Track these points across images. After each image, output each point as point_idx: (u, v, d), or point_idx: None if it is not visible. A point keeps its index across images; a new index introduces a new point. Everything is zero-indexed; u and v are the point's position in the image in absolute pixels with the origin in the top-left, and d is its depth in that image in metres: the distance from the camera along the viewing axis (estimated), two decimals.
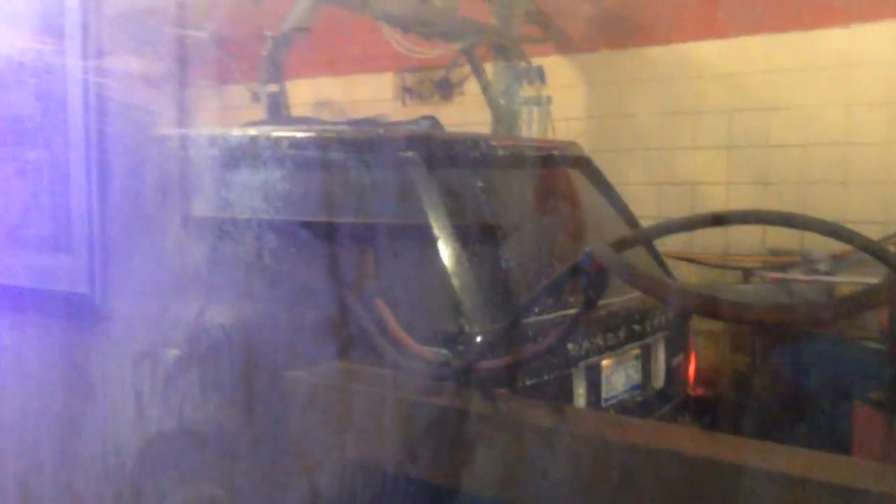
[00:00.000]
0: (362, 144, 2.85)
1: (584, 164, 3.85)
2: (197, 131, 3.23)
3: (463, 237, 2.58)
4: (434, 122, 3.51)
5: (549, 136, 5.73)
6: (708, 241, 5.62)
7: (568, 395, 2.72)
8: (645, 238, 1.82)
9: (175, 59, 7.45)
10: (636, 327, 3.19)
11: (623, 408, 3.11)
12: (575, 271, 1.41)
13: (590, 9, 6.06)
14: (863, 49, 5.10)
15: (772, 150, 5.43)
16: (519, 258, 2.82)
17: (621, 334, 3.07)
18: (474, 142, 3.12)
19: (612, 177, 6.03)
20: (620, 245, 1.57)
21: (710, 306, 1.39)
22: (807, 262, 4.54)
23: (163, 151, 3.02)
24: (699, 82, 5.71)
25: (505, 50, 5.63)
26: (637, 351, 3.24)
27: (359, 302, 1.99)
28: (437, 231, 2.54)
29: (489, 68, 5.80)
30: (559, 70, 6.08)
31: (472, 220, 2.76)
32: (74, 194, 2.45)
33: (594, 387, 2.89)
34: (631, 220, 3.94)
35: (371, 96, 7.21)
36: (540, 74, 5.64)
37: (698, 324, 5.57)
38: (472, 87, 6.04)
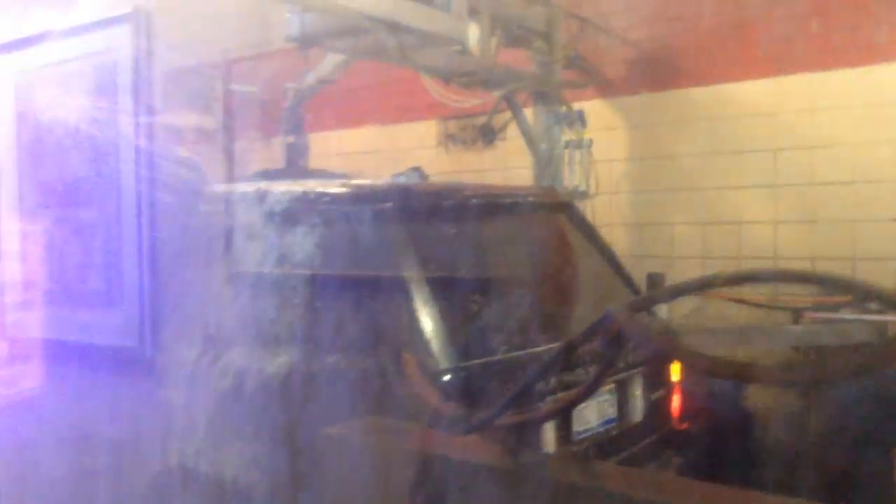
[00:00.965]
0: (345, 197, 3.07)
1: (566, 209, 4.04)
2: (227, 187, 3.42)
3: (433, 283, 2.79)
4: (420, 173, 3.71)
5: (592, 178, 5.74)
6: None
7: (535, 429, 2.83)
8: (663, 298, 1.85)
9: (226, 113, 7.75)
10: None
11: (598, 441, 3.21)
12: (594, 331, 1.43)
13: (629, 52, 6.11)
14: None
15: (818, 187, 5.36)
16: (491, 301, 3.03)
17: (592, 371, 3.14)
18: (448, 192, 3.36)
19: (655, 217, 6.05)
20: (638, 306, 1.58)
21: (730, 370, 1.39)
22: (857, 300, 4.44)
23: (207, 207, 3.16)
24: (742, 122, 5.68)
25: (545, 95, 5.69)
26: (611, 386, 3.35)
27: (386, 354, 2.05)
28: (408, 277, 2.79)
29: (530, 113, 5.87)
30: (600, 113, 6.12)
31: (443, 267, 2.98)
32: (125, 250, 2.56)
33: (564, 421, 3.03)
34: (614, 263, 4.06)
35: (415, 144, 7.33)
36: (580, 118, 5.68)
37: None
38: (514, 131, 6.12)
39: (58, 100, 2.65)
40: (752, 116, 5.64)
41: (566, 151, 5.76)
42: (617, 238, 6.24)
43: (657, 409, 3.69)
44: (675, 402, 3.93)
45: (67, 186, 2.67)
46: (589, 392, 1.61)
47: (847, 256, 5.21)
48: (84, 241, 2.64)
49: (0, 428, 2.47)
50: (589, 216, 5.83)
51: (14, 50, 2.67)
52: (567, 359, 1.66)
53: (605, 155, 5.98)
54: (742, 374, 1.50)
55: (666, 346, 1.39)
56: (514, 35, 5.44)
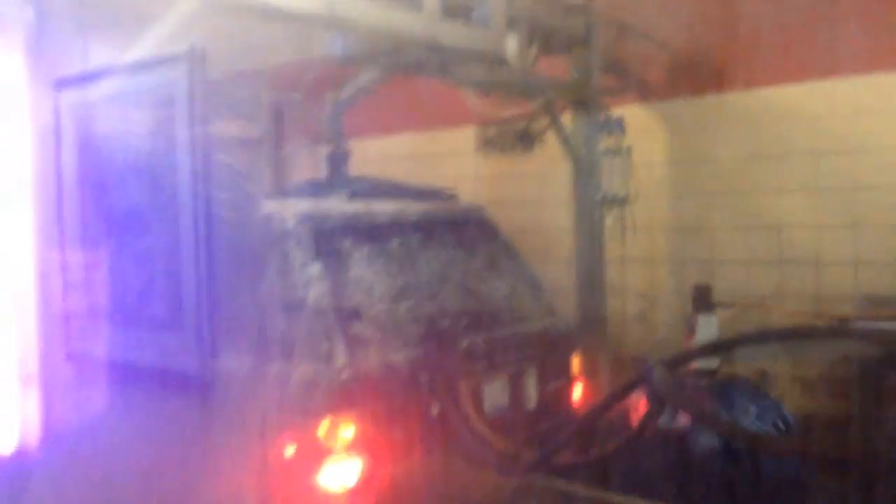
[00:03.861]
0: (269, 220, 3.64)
1: (482, 225, 4.66)
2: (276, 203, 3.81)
3: (336, 297, 3.42)
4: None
5: (631, 184, 5.74)
6: (801, 286, 5.52)
7: (424, 415, 3.31)
8: (695, 356, 1.95)
9: (270, 121, 7.88)
10: (499, 359, 3.82)
11: (490, 425, 3.52)
12: (638, 384, 1.50)
13: (668, 57, 6.10)
14: None
15: (862, 192, 5.31)
16: (392, 313, 3.62)
17: (480, 364, 3.68)
18: (356, 215, 3.97)
19: (695, 221, 6.03)
20: (674, 363, 1.65)
21: (750, 441, 1.45)
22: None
23: (262, 227, 3.31)
24: (783, 125, 5.65)
25: (584, 102, 5.71)
26: (504, 378, 3.84)
27: (442, 385, 2.12)
28: (312, 293, 3.39)
29: (569, 120, 5.89)
30: (639, 117, 6.12)
31: (348, 284, 3.58)
32: (184, 276, 2.68)
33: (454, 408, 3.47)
34: (527, 276, 4.66)
35: (453, 149, 7.40)
36: (619, 125, 5.68)
37: (793, 370, 5.49)
38: (553, 137, 6.14)
39: (118, 132, 2.78)
40: (793, 120, 5.60)
41: (605, 157, 5.77)
42: (657, 242, 6.26)
43: (554, 398, 4.13)
44: (576, 391, 4.41)
45: (128, 214, 2.80)
46: (637, 436, 1.68)
47: (891, 261, 5.17)
48: (144, 267, 2.77)
49: (70, 445, 2.60)
50: (629, 221, 5.86)
51: (76, 85, 2.80)
52: (610, 408, 1.72)
53: (645, 158, 5.97)
54: (760, 445, 1.56)
55: (697, 410, 1.45)
56: (553, 43, 5.47)
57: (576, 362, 4.52)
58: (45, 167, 2.71)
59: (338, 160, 6.78)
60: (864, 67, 5.25)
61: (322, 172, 6.81)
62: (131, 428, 2.69)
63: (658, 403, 1.43)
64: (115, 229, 2.81)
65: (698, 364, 4.23)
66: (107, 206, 2.82)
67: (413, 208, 4.40)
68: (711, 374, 4.19)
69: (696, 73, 6.00)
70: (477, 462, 1.96)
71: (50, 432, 2.52)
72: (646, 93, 6.25)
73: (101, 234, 2.81)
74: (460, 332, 3.71)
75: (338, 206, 4.17)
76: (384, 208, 4.22)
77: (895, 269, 5.13)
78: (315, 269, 3.50)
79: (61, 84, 2.83)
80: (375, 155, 7.73)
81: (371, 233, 3.93)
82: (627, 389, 1.57)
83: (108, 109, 2.78)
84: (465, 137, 7.36)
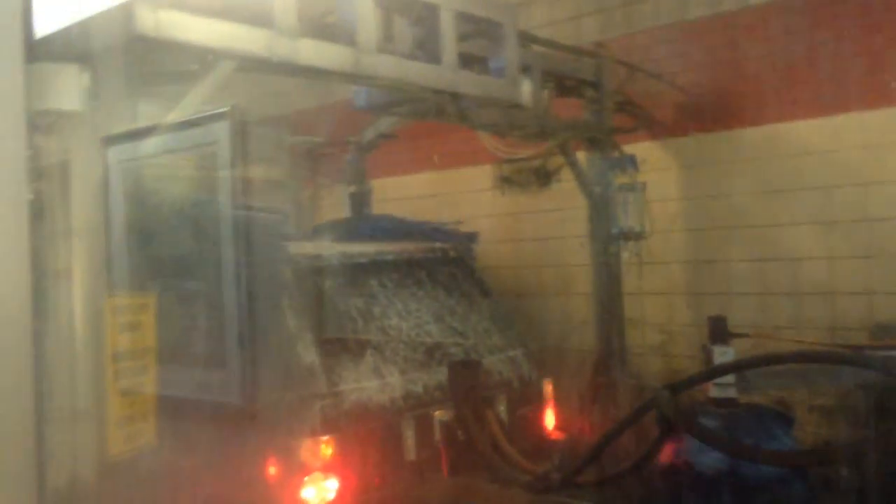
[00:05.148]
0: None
1: (460, 264, 5.26)
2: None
3: (319, 332, 3.85)
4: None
5: (645, 219, 5.90)
6: (815, 316, 5.63)
7: (398, 439, 3.74)
8: (700, 381, 2.12)
9: (294, 164, 8.12)
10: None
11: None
12: (648, 407, 1.66)
13: (679, 96, 6.28)
14: None
15: (873, 223, 5.43)
16: (369, 342, 4.08)
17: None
18: (338, 254, 4.50)
19: (710, 255, 6.16)
20: (678, 387, 1.80)
21: (740, 451, 1.59)
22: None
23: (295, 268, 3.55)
24: (795, 160, 5.79)
25: (597, 140, 5.91)
26: None
27: (468, 411, 2.28)
28: (295, 326, 3.76)
29: (584, 157, 6.08)
30: (653, 154, 6.29)
31: (330, 317, 4.02)
32: (226, 317, 2.87)
33: (427, 432, 3.85)
34: (499, 312, 5.23)
35: (472, 187, 7.61)
36: (632, 162, 5.87)
37: (810, 399, 5.57)
38: (569, 173, 6.33)
39: (164, 185, 3.00)
40: (804, 155, 5.74)
41: (620, 194, 5.94)
42: (673, 276, 6.40)
43: (523, 421, 4.51)
44: (547, 416, 4.79)
45: (174, 261, 3.01)
46: (652, 455, 1.83)
47: None
48: (190, 309, 2.97)
49: (123, 478, 2.78)
50: (645, 255, 6.01)
51: (123, 141, 3.03)
52: (624, 431, 1.88)
53: (659, 194, 6.14)
54: (749, 455, 1.70)
55: (697, 431, 1.61)
56: (566, 86, 5.69)
57: (547, 390, 4.98)
58: (96, 219, 2.93)
59: (359, 200, 7.05)
60: (872, 103, 5.40)
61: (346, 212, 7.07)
62: (170, 458, 2.87)
63: (666, 426, 1.58)
64: (161, 275, 3.02)
65: (716, 393, 4.36)
66: (153, 252, 3.04)
67: (391, 249, 4.93)
68: (731, 402, 4.31)
69: (707, 111, 6.19)
70: (505, 481, 2.11)
71: (103, 465, 2.70)
72: (658, 131, 6.43)
73: (148, 280, 3.02)
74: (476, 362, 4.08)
75: (322, 248, 4.63)
76: (364, 250, 4.74)
77: None
78: (300, 307, 3.88)
79: (110, 141, 3.05)
80: (396, 195, 7.95)
81: (353, 272, 4.44)
82: (638, 413, 1.72)
83: (154, 163, 3.01)
84: (482, 176, 7.58)
